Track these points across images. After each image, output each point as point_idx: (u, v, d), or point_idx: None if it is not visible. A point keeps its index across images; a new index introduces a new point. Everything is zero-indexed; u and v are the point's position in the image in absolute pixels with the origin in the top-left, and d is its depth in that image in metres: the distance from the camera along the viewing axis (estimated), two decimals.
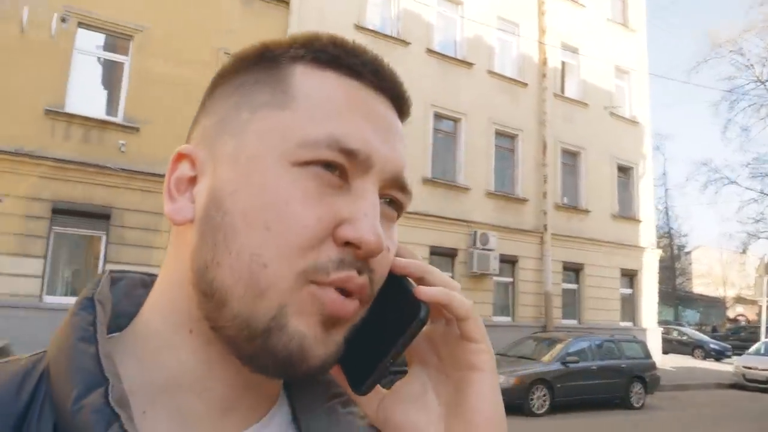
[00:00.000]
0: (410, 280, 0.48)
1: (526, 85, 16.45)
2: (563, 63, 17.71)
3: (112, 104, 11.06)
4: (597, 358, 11.38)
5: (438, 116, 14.87)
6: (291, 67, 0.46)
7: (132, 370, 0.44)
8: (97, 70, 11.42)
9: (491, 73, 15.84)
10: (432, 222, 14.07)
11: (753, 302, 33.89)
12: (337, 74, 0.46)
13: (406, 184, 0.49)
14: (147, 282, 0.53)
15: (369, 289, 0.45)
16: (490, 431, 0.47)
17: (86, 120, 10.28)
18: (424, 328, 0.49)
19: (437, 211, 14.23)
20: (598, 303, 17.17)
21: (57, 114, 10.01)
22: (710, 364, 22.52)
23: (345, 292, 0.43)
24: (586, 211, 17.24)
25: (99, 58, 11.29)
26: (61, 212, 9.85)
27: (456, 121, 15.21)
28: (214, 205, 0.44)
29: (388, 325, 0.46)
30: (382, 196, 0.47)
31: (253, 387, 0.46)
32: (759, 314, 23.83)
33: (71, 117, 10.13)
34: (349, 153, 0.43)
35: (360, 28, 13.75)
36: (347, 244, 0.43)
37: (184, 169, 0.47)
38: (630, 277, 18.35)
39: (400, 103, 0.50)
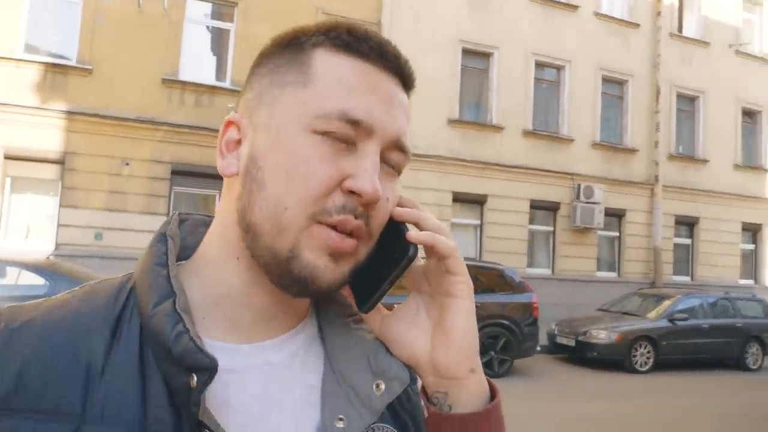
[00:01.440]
0: (407, 225, 0.60)
1: (637, 25, 15.30)
2: None
3: (220, 70, 11.74)
4: (709, 316, 10.76)
5: (539, 65, 14.30)
6: (312, 52, 0.57)
7: (195, 288, 0.58)
8: (206, 38, 12.12)
9: (598, 15, 14.88)
10: (533, 175, 13.76)
11: None
12: (349, 57, 0.57)
13: (404, 146, 0.59)
14: (207, 222, 0.66)
15: (366, 230, 0.56)
16: (462, 342, 0.60)
17: (198, 86, 11.04)
18: (420, 263, 0.63)
19: (539, 163, 13.87)
20: (715, 259, 16.09)
21: (172, 82, 10.83)
22: None
23: (347, 233, 0.55)
24: (704, 161, 16.01)
25: (207, 27, 11.96)
26: (180, 173, 10.77)
27: (559, 69, 14.55)
28: (252, 162, 0.56)
29: (387, 260, 0.59)
30: (384, 156, 0.57)
31: (286, 302, 0.59)
32: None
33: (184, 84, 10.92)
34: (355, 122, 0.54)
35: None
36: (351, 193, 0.54)
37: (232, 134, 0.59)
38: (753, 231, 16.96)
39: (404, 78, 0.60)
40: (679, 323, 10.27)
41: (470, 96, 13.74)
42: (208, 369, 0.50)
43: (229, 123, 0.60)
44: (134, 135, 10.52)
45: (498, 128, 13.55)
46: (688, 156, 15.95)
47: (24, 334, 0.53)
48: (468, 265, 0.62)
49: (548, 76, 14.63)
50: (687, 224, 15.93)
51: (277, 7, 11.42)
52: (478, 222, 13.45)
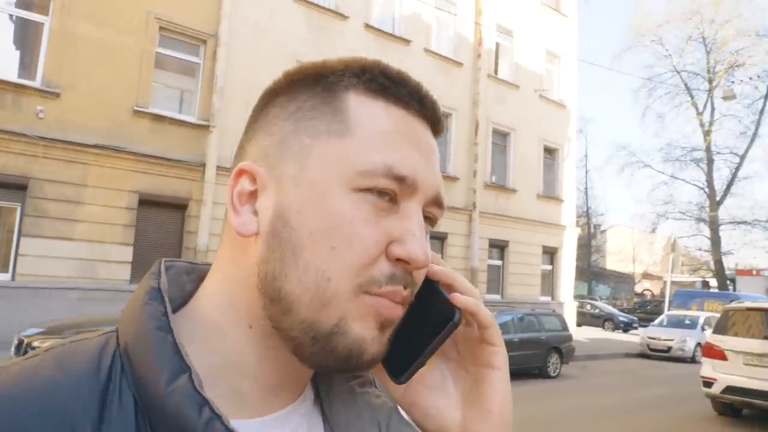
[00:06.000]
0: (440, 285, 0.56)
1: (461, 64, 16.67)
2: (497, 44, 18.05)
3: (29, 67, 10.35)
4: (519, 330, 11.91)
5: None
6: (345, 96, 0.51)
7: (192, 354, 0.49)
8: (9, 29, 10.64)
9: (428, 51, 15.93)
10: None
11: (658, 278, 36.51)
12: (386, 103, 0.52)
13: (442, 202, 0.55)
14: (189, 269, 0.58)
15: (410, 298, 0.52)
16: (501, 417, 0.56)
17: None
18: None
19: None
20: (521, 278, 17.96)
21: None
22: (619, 336, 24.20)
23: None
24: (513, 191, 17.86)
25: (11, 16, 10.50)
26: None
27: None
28: (281, 222, 0.49)
29: (425, 325, 0.54)
30: (422, 212, 0.53)
31: (295, 372, 0.53)
32: (663, 289, 25.69)
33: None
34: (400, 179, 0.49)
35: (298, 0, 13.45)
36: (398, 260, 0.49)
37: (245, 184, 0.52)
38: (551, 254, 19.27)
39: (436, 125, 0.57)
40: None
41: None
42: None
43: (242, 171, 0.52)
44: None
45: None
46: (500, 185, 17.67)
47: None
48: None
49: None
50: (499, 247, 17.58)
51: (104, 5, 10.44)
52: None
